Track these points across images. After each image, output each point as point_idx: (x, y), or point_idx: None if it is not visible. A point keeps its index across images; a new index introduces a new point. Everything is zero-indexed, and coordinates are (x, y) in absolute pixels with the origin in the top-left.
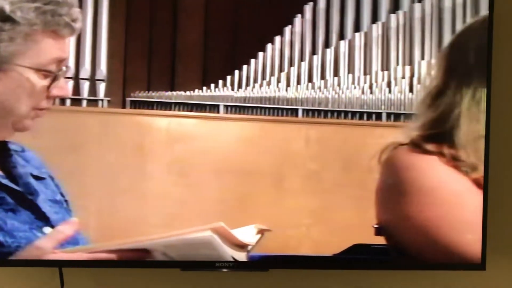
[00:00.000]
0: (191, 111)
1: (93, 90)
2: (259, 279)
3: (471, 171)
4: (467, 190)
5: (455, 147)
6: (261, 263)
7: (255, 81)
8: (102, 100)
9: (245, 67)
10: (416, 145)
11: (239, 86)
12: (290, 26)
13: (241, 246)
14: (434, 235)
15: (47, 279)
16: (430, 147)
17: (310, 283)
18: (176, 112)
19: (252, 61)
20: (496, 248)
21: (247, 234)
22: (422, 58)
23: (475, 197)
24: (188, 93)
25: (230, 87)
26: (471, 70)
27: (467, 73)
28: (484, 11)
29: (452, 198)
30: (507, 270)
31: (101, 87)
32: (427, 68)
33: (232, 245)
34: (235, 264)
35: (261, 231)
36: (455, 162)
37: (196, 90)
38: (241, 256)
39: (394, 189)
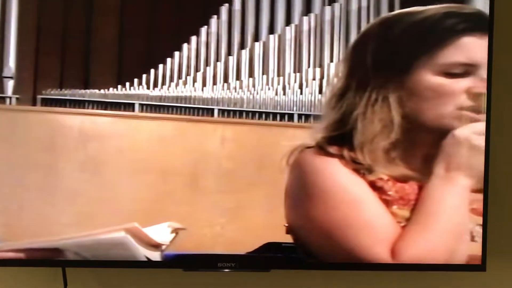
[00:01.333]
0: (105, 109)
1: (0, 87)
2: (261, 279)
3: (368, 173)
4: (364, 192)
5: (354, 149)
6: (263, 264)
7: (171, 80)
8: (10, 97)
9: (161, 66)
10: (321, 148)
11: (155, 85)
12: (206, 26)
13: (155, 246)
14: (335, 237)
15: (51, 279)
16: (332, 149)
17: (312, 283)
18: (90, 110)
19: (168, 60)
20: (497, 249)
21: (161, 233)
22: (331, 60)
23: (372, 199)
24: (102, 91)
25: (145, 86)
26: (368, 72)
27: (365, 75)
28: (384, 12)
29: (351, 201)
30: (507, 271)
31: (9, 85)
32: (335, 70)
33: (146, 245)
34: (237, 264)
35: (175, 230)
36: (354, 164)
37: (111, 89)
38: (155, 256)
39: (299, 191)
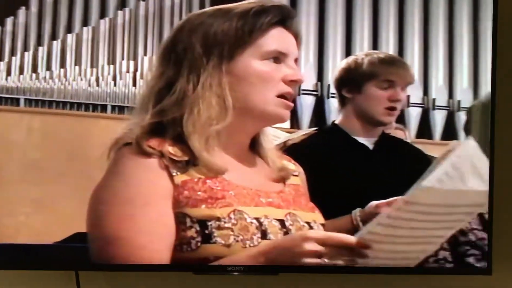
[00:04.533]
0: None
1: None
2: (269, 283)
3: (181, 172)
4: (163, 198)
5: (177, 141)
6: (271, 267)
7: None
8: None
9: None
10: (138, 145)
11: None
12: (12, 17)
13: None
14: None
15: (64, 283)
16: (152, 144)
17: (320, 287)
18: None
19: None
20: (502, 253)
21: None
22: (145, 54)
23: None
24: None
25: None
26: (198, 59)
27: (196, 62)
28: (196, 9)
29: (147, 209)
30: None
31: None
32: (149, 63)
33: None
34: (246, 268)
35: None
36: (170, 162)
37: None
38: None
39: (104, 193)
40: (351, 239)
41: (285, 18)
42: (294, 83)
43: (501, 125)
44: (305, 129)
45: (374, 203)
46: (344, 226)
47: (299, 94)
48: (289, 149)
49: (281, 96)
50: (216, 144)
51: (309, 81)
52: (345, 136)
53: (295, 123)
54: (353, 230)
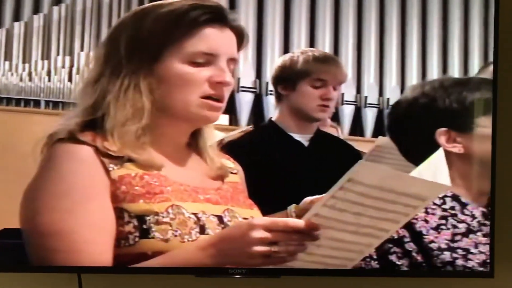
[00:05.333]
0: None
1: None
2: (272, 285)
3: (117, 167)
4: (102, 192)
5: (106, 136)
6: (274, 270)
7: None
8: None
9: None
10: (72, 140)
11: None
12: None
13: None
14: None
15: (66, 285)
16: (85, 138)
17: None
18: None
19: None
20: (504, 256)
21: None
22: (82, 50)
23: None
24: None
25: None
26: (121, 60)
27: (118, 63)
28: (134, 6)
29: (87, 204)
30: None
31: None
32: (85, 59)
33: None
34: (248, 271)
35: None
36: (106, 157)
37: None
38: None
39: (39, 187)
40: (299, 222)
41: (219, 17)
42: (220, 85)
43: (503, 125)
44: (243, 127)
45: (308, 198)
46: None
47: (237, 91)
48: (227, 147)
49: (207, 97)
50: (147, 142)
51: (247, 79)
52: (281, 133)
53: (233, 120)
54: None
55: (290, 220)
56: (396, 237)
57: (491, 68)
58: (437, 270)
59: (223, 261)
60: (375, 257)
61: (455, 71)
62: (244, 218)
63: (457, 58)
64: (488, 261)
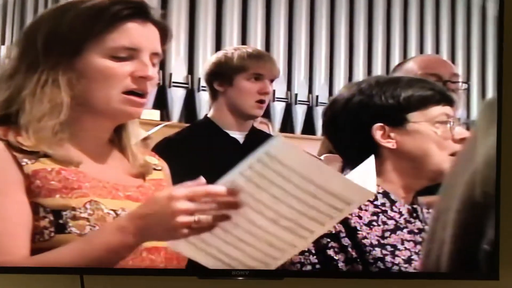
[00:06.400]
0: None
1: None
2: (275, 287)
3: (32, 162)
4: (16, 187)
5: (19, 131)
6: (277, 272)
7: None
8: None
9: None
10: None
11: None
12: None
13: None
14: None
15: (68, 287)
16: None
17: None
18: None
19: None
20: (510, 257)
21: None
22: (3, 43)
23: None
24: None
25: None
26: (38, 55)
27: (35, 57)
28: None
29: (1, 198)
30: None
31: None
32: (7, 52)
33: None
34: (251, 273)
35: None
36: (19, 152)
37: None
38: None
39: None
40: (219, 187)
41: (141, 12)
42: (143, 79)
43: (507, 126)
44: (165, 122)
45: None
46: None
47: (169, 87)
48: (162, 144)
49: (129, 92)
50: (65, 138)
51: (179, 74)
52: (217, 130)
53: (165, 116)
54: None
55: (210, 187)
56: (333, 232)
57: (405, 66)
58: (440, 272)
59: (145, 238)
60: (313, 251)
61: (378, 70)
62: None
63: (380, 57)
64: (412, 257)
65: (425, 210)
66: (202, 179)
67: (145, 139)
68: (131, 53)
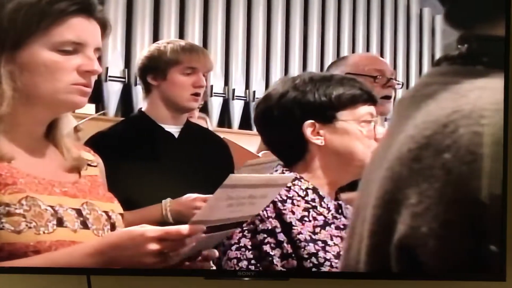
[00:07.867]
0: None
1: None
2: (280, 287)
3: None
4: None
5: None
6: (282, 272)
7: None
8: None
9: None
10: None
11: None
12: None
13: None
14: None
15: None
16: None
17: None
18: None
19: None
20: None
21: None
22: None
23: None
24: None
25: None
26: None
27: None
28: None
29: None
30: None
31: None
32: None
33: None
34: (257, 273)
35: None
36: None
37: None
38: None
39: None
40: (191, 228)
41: (86, 8)
42: (89, 73)
43: None
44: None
45: (192, 195)
46: (153, 216)
47: (106, 81)
48: (95, 138)
49: (76, 85)
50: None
51: (116, 68)
52: (152, 124)
53: (100, 110)
54: (162, 220)
55: (182, 228)
56: (270, 227)
57: (350, 61)
58: (445, 272)
59: (113, 265)
60: (249, 247)
61: (313, 66)
62: (104, 212)
63: (315, 54)
64: (341, 253)
65: (347, 206)
66: (191, 196)
67: (76, 131)
68: (76, 47)
